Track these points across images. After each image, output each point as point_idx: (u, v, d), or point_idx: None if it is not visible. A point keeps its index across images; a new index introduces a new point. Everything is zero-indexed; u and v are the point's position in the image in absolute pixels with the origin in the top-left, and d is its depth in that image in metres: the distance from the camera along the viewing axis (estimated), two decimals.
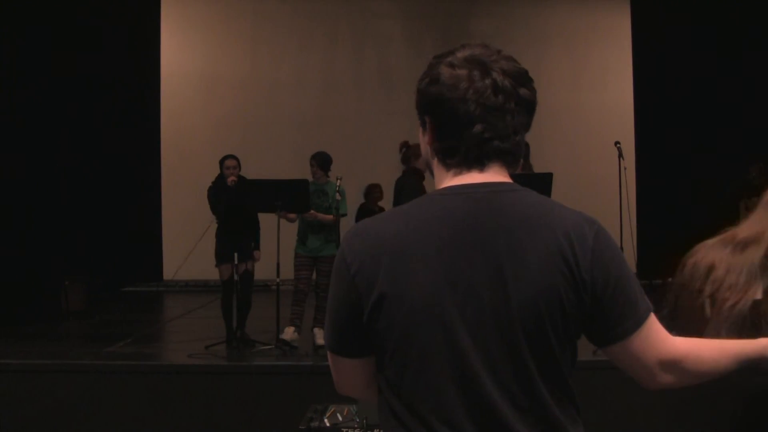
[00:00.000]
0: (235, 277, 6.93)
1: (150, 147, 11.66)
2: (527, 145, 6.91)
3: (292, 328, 6.69)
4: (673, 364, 1.58)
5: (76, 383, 5.86)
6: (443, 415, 1.49)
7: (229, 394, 5.81)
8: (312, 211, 6.72)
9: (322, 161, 6.95)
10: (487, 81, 1.55)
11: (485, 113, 1.54)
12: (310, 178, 6.96)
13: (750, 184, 9.60)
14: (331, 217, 6.85)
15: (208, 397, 5.83)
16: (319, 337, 6.76)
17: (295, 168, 9.24)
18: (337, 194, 6.68)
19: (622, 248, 6.87)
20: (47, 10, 10.44)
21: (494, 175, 1.57)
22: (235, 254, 6.90)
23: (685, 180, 10.62)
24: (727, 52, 10.86)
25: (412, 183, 6.55)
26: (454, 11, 12.10)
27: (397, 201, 6.46)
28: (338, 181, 6.74)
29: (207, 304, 9.60)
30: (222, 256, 6.92)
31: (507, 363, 1.48)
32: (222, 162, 7.06)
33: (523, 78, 1.62)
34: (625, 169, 6.93)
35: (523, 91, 1.59)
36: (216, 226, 7.05)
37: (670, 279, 2.41)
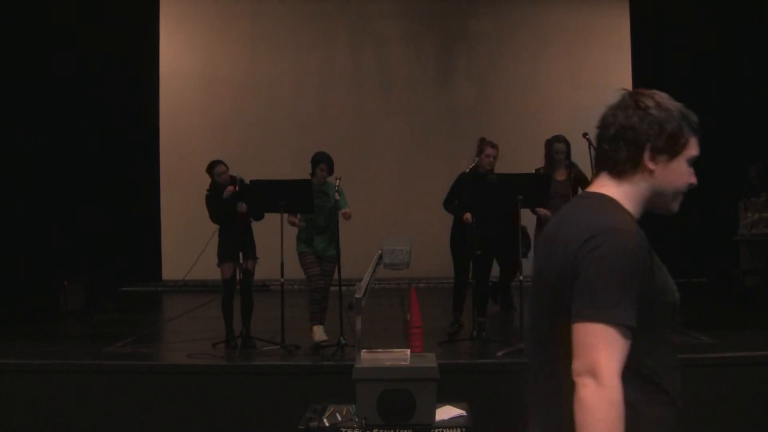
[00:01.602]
0: (239, 276, 6.93)
1: (149, 147, 11.66)
2: (569, 145, 6.93)
3: (321, 327, 6.67)
4: None
5: (75, 383, 5.86)
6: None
7: (229, 394, 5.81)
8: (345, 213, 6.66)
9: (331, 163, 6.90)
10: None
11: None
12: (311, 179, 6.92)
13: (750, 184, 9.61)
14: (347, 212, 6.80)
15: (207, 397, 5.83)
16: (319, 334, 6.73)
17: (294, 168, 9.23)
18: (337, 194, 6.67)
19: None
20: (47, 10, 10.44)
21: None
22: (240, 254, 6.90)
23: None
24: (727, 52, 10.86)
25: None
26: (454, 11, 12.10)
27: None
28: (337, 181, 6.73)
29: (206, 304, 9.60)
30: (224, 255, 6.92)
31: None
32: (212, 169, 6.99)
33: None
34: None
35: None
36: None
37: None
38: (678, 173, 1.91)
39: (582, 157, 6.43)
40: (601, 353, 1.71)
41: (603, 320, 1.72)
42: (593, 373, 1.71)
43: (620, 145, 1.92)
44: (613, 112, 1.95)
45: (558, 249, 1.88)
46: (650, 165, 1.90)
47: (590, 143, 7.04)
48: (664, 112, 1.91)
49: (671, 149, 1.90)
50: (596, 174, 2.00)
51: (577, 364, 1.74)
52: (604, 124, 1.97)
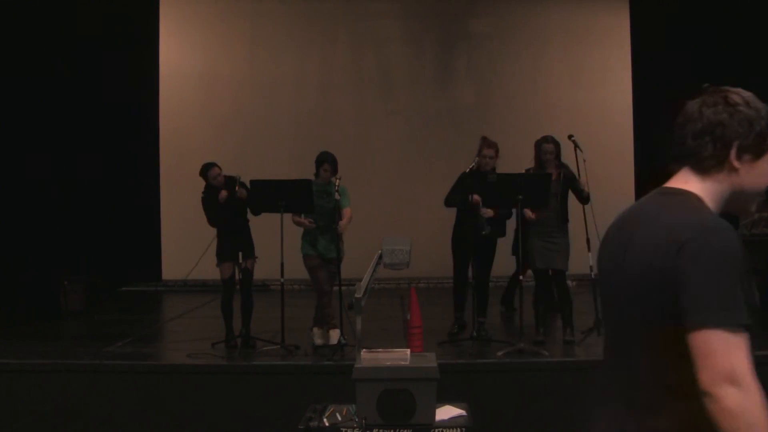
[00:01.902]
0: (239, 276, 6.93)
1: (149, 146, 11.66)
2: (558, 145, 6.91)
3: (337, 330, 6.65)
4: None
5: (75, 383, 5.86)
6: None
7: (229, 394, 5.81)
8: (340, 226, 6.66)
9: (335, 163, 6.86)
10: None
11: None
12: (312, 179, 6.91)
13: None
14: (349, 214, 6.80)
15: (207, 397, 5.83)
16: (318, 336, 6.75)
17: (293, 168, 9.23)
18: (336, 194, 6.65)
19: (589, 244, 6.89)
20: (47, 10, 10.44)
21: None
22: (240, 253, 6.90)
23: None
24: (727, 52, 10.85)
25: None
26: (454, 11, 12.10)
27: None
28: (337, 180, 6.72)
29: (206, 304, 9.60)
30: (223, 255, 6.91)
31: None
32: (206, 172, 6.95)
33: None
34: (584, 161, 6.92)
35: None
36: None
37: None
38: (761, 174, 1.88)
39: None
40: (733, 358, 1.65)
41: (726, 324, 1.66)
42: (732, 380, 1.64)
43: (707, 140, 1.87)
44: (699, 107, 1.90)
45: (637, 248, 1.82)
46: (736, 163, 1.86)
47: (576, 145, 7.04)
48: (753, 111, 1.87)
49: (757, 149, 1.86)
50: (675, 169, 1.94)
51: (709, 375, 1.65)
52: (688, 119, 1.91)
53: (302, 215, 6.78)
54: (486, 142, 7.01)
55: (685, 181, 1.90)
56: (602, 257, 1.98)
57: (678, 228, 1.75)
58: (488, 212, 6.68)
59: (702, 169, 1.88)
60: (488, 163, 6.91)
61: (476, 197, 6.66)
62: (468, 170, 6.85)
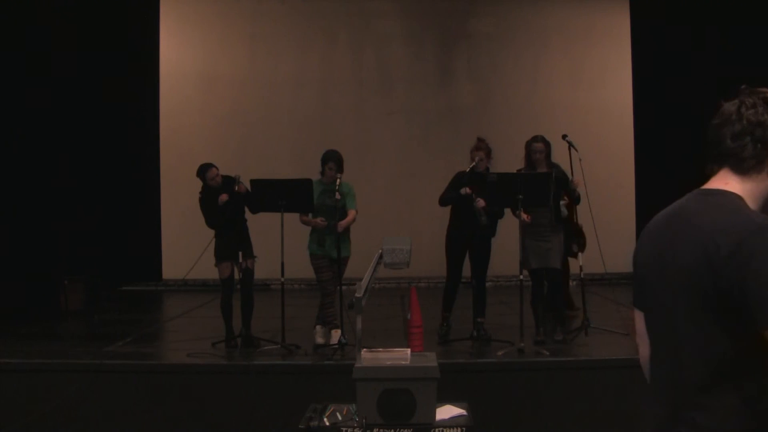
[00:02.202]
0: (239, 275, 6.93)
1: (149, 146, 11.66)
2: (549, 145, 6.91)
3: (338, 331, 6.65)
4: None
5: (75, 382, 5.86)
6: None
7: (229, 394, 5.82)
8: (339, 224, 6.66)
9: (340, 162, 6.84)
10: None
11: None
12: (314, 178, 6.90)
13: None
14: (352, 215, 6.82)
15: (207, 397, 5.83)
16: (320, 335, 6.75)
17: (294, 167, 9.24)
18: (337, 194, 6.64)
19: (585, 243, 6.91)
20: (46, 10, 10.43)
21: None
22: (240, 253, 6.89)
23: (684, 179, 10.58)
24: (727, 51, 10.85)
25: None
26: (454, 11, 12.10)
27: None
28: (338, 180, 6.71)
29: (206, 303, 9.61)
30: (222, 255, 6.91)
31: None
32: (204, 173, 6.92)
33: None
34: (580, 160, 6.93)
35: None
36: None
37: None
38: None
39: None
40: None
41: None
42: None
43: (747, 141, 1.89)
44: (737, 108, 1.91)
45: (688, 247, 1.86)
46: None
47: (570, 145, 7.03)
48: None
49: None
50: (714, 170, 1.97)
51: None
52: (726, 120, 1.93)
53: (309, 215, 6.78)
54: (476, 144, 7.02)
55: (725, 181, 1.93)
56: (645, 255, 2.02)
57: (731, 227, 1.79)
58: (481, 202, 6.68)
59: (742, 169, 1.91)
60: (479, 165, 6.92)
61: (467, 189, 6.68)
62: (468, 169, 6.85)
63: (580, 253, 7.38)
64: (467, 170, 6.85)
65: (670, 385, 1.91)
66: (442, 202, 7.04)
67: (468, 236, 6.86)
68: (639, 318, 2.11)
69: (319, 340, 6.72)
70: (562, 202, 7.60)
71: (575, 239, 7.74)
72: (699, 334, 1.83)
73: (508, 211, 6.91)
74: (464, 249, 6.97)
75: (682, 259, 1.86)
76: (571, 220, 7.35)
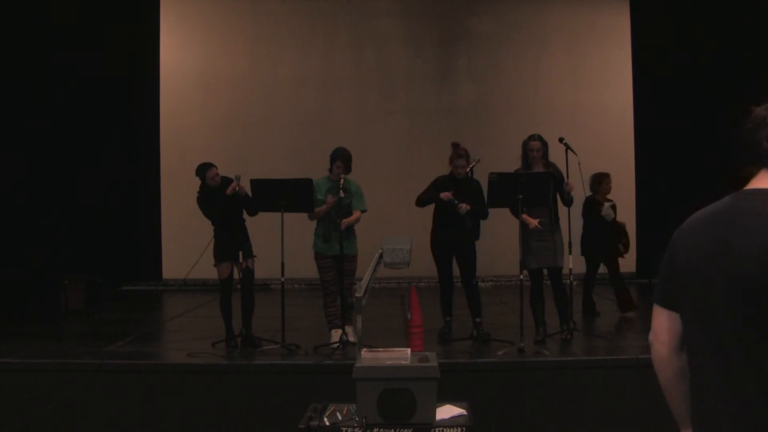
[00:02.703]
0: (239, 275, 6.92)
1: (149, 145, 11.66)
2: (545, 144, 6.91)
3: (339, 331, 6.65)
4: None
5: (75, 382, 5.86)
6: None
7: (229, 394, 5.81)
8: (343, 221, 6.67)
9: (348, 160, 6.85)
10: None
11: None
12: (321, 175, 6.91)
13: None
14: (356, 215, 6.84)
15: (207, 397, 5.83)
16: (351, 335, 6.65)
17: (294, 167, 9.24)
18: (341, 191, 6.66)
19: (570, 243, 6.94)
20: (46, 9, 10.44)
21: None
22: (240, 253, 6.89)
23: (684, 179, 10.61)
24: (727, 51, 10.85)
25: None
26: (454, 11, 12.10)
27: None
28: (342, 179, 6.72)
29: (206, 303, 9.61)
30: (221, 255, 6.90)
31: None
32: (204, 173, 6.92)
33: None
34: (579, 164, 6.94)
35: None
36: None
37: None
38: None
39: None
40: None
41: None
42: None
43: None
44: None
45: (740, 250, 1.88)
46: None
47: (568, 147, 7.03)
48: None
49: None
50: (753, 172, 2.03)
51: None
52: (760, 124, 1.99)
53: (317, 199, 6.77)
54: (456, 151, 7.04)
55: (766, 182, 1.99)
56: (692, 253, 2.01)
57: None
58: (464, 207, 6.71)
59: None
60: (459, 172, 6.94)
61: (446, 193, 6.71)
62: (449, 173, 6.92)
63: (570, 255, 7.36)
64: (447, 174, 6.89)
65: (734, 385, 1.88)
66: (419, 202, 7.06)
67: (452, 239, 6.88)
68: (663, 317, 2.11)
69: (351, 338, 6.59)
70: (608, 204, 7.70)
71: (621, 239, 7.83)
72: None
73: (493, 212, 6.92)
74: (450, 252, 6.98)
75: (743, 258, 1.86)
76: (615, 222, 7.40)
